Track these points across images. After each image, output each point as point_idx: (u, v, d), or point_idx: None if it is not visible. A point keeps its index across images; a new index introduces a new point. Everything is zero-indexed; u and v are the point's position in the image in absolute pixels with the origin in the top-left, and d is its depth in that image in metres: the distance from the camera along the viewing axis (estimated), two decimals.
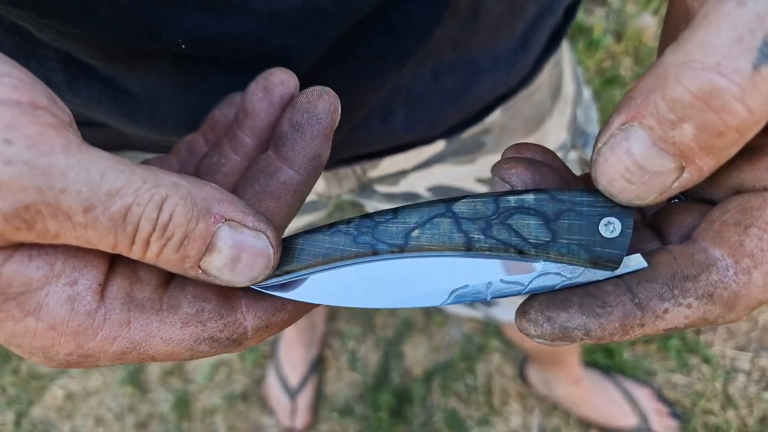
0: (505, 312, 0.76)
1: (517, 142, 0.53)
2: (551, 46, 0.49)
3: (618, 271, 0.22)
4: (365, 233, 0.23)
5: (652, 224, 0.24)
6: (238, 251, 0.21)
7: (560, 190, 0.22)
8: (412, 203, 0.24)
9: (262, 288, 0.23)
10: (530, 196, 0.22)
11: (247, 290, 0.23)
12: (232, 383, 1.42)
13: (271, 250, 0.22)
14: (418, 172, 0.54)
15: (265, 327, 0.23)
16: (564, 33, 0.49)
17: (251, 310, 0.23)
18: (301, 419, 1.32)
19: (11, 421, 1.44)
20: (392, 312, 1.43)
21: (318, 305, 0.24)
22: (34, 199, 0.18)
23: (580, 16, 1.61)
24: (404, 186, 0.56)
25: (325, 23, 0.29)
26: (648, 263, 0.22)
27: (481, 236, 0.22)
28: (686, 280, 0.21)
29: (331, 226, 0.23)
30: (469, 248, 0.22)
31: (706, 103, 0.17)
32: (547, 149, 0.26)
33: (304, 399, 1.34)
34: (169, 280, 0.23)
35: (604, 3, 1.63)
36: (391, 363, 1.38)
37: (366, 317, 1.43)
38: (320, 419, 1.36)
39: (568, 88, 0.58)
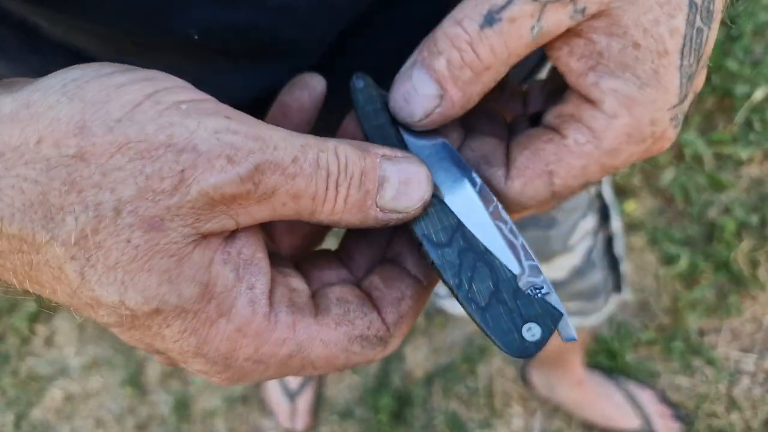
0: None
1: None
2: None
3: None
4: None
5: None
6: (403, 175, 0.24)
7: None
8: None
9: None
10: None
11: (370, 292, 0.26)
12: None
13: (426, 168, 0.25)
14: None
15: (400, 318, 0.26)
16: None
17: (384, 307, 0.25)
18: (300, 422, 1.32)
19: (11, 422, 1.43)
20: None
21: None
22: (259, 158, 0.21)
23: None
24: None
25: (333, 17, 0.30)
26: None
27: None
28: (485, 163, 0.28)
29: None
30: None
31: (452, 42, 0.24)
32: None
33: (304, 401, 1.34)
34: (314, 293, 0.26)
35: None
36: (391, 365, 1.38)
37: None
38: (320, 422, 1.36)
39: None
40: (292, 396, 1.34)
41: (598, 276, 0.71)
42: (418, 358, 1.39)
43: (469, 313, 0.25)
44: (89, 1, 0.26)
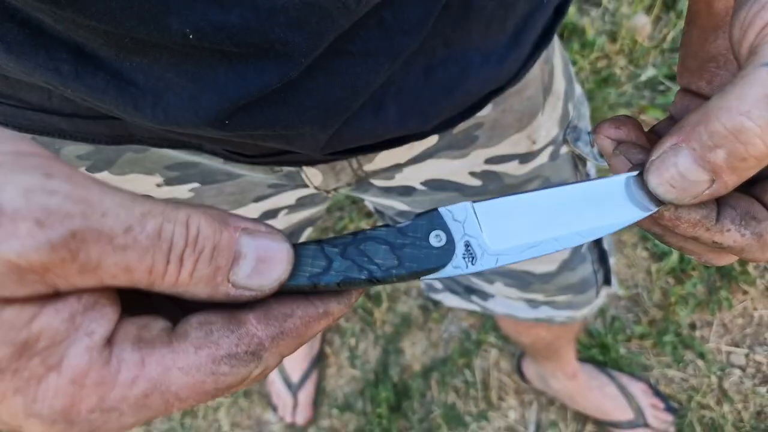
0: (500, 305, 0.78)
1: (511, 136, 0.55)
2: (542, 43, 0.50)
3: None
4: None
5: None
6: (262, 253, 0.23)
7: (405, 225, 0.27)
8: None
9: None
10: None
11: (252, 305, 0.24)
12: None
13: (289, 246, 0.24)
14: (412, 165, 0.55)
15: (280, 334, 0.23)
16: (554, 30, 0.51)
17: (261, 321, 0.23)
18: (302, 415, 1.34)
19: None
20: (391, 309, 1.44)
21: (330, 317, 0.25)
22: (79, 224, 0.18)
23: (575, 16, 1.62)
24: (399, 180, 0.57)
25: (324, 21, 0.31)
26: (737, 198, 0.29)
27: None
28: (752, 219, 0.28)
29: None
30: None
31: (736, 137, 0.23)
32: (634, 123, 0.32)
33: (305, 395, 1.35)
34: (172, 326, 0.23)
35: (599, 4, 1.64)
36: (390, 359, 1.40)
37: (365, 314, 1.45)
38: (321, 415, 1.38)
39: (560, 84, 0.59)
40: (293, 389, 1.35)
41: (588, 269, 0.73)
42: (416, 352, 1.40)
43: (395, 282, 0.26)
44: (89, 1, 0.27)
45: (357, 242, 0.26)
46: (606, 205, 0.28)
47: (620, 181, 0.28)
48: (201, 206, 0.22)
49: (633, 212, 0.28)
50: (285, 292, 0.25)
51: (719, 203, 0.28)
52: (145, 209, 0.20)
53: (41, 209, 0.18)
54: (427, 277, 0.26)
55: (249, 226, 0.23)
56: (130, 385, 0.21)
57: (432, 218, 0.27)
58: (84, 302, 0.20)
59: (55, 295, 0.20)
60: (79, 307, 0.20)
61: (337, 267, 0.25)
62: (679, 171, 0.25)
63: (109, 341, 0.21)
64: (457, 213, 0.27)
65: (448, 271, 0.26)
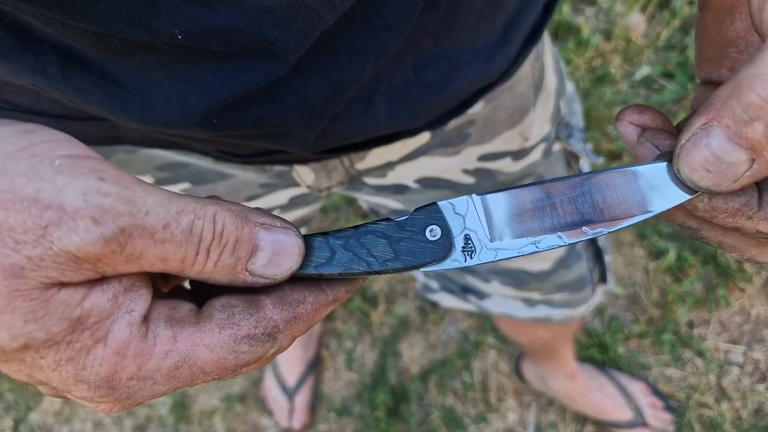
0: (498, 304, 0.77)
1: (504, 133, 0.54)
2: (531, 40, 0.50)
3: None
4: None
5: None
6: (277, 246, 0.25)
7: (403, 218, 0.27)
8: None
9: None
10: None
11: (269, 291, 0.26)
12: (229, 385, 1.43)
13: (301, 241, 0.26)
14: (404, 163, 0.55)
15: (293, 319, 0.26)
16: (543, 27, 0.50)
17: (276, 306, 0.26)
18: (298, 419, 1.33)
19: (10, 427, 1.44)
20: (388, 311, 1.44)
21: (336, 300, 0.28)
22: (127, 222, 0.21)
23: (570, 15, 1.62)
24: (392, 178, 0.57)
25: (310, 19, 0.31)
26: None
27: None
28: None
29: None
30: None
31: None
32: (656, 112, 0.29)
33: (302, 399, 1.35)
34: (197, 308, 0.26)
35: (594, 2, 1.65)
36: (387, 362, 1.39)
37: (362, 316, 1.44)
38: (318, 419, 1.37)
39: (551, 81, 0.59)
40: (290, 394, 1.34)
41: (583, 267, 0.73)
42: (414, 354, 1.40)
43: (392, 273, 0.27)
44: (79, 4, 0.27)
45: (358, 235, 0.27)
46: (627, 196, 0.26)
47: (645, 169, 0.26)
48: (226, 202, 0.25)
49: (657, 204, 0.26)
50: (294, 278, 0.27)
51: (760, 188, 0.25)
52: (180, 207, 0.23)
53: (96, 209, 0.21)
54: (425, 269, 0.27)
55: (267, 222, 0.25)
56: (163, 357, 0.24)
57: (429, 212, 0.27)
58: (124, 284, 0.23)
59: (102, 279, 0.23)
60: (121, 289, 0.23)
61: (339, 258, 0.27)
62: (713, 152, 0.23)
63: (146, 318, 0.24)
64: (458, 206, 0.27)
65: (446, 264, 0.27)
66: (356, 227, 0.27)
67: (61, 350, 0.22)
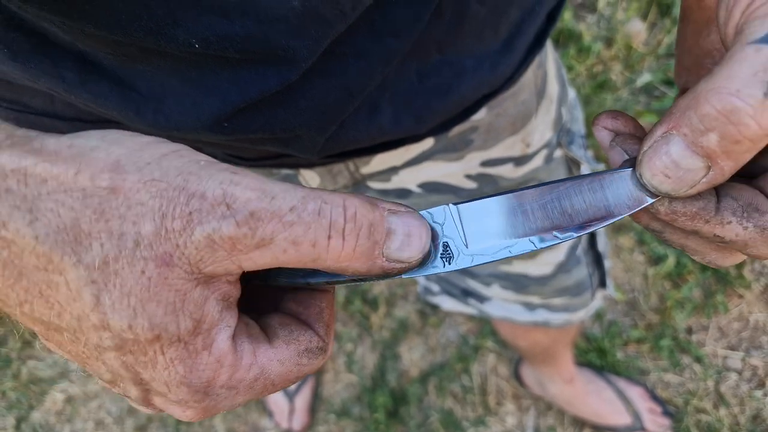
0: (498, 308, 0.78)
1: (506, 139, 0.55)
2: (534, 48, 0.51)
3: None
4: None
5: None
6: (407, 228, 0.26)
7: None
8: None
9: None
10: None
11: (309, 309, 0.29)
12: None
13: (427, 223, 0.27)
14: (408, 168, 0.56)
15: (327, 327, 0.29)
16: (547, 35, 0.51)
17: (313, 322, 0.29)
18: (298, 421, 1.34)
19: (12, 425, 1.44)
20: (388, 314, 1.44)
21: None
22: (255, 206, 0.23)
23: (571, 22, 1.63)
24: (396, 182, 0.58)
25: (322, 27, 0.32)
26: (739, 189, 0.28)
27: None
28: (755, 211, 0.26)
29: None
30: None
31: (728, 118, 0.22)
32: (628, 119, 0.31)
33: (302, 400, 1.35)
34: (262, 326, 0.28)
35: (595, 10, 1.66)
36: (387, 364, 1.40)
37: (363, 319, 1.45)
38: (318, 421, 1.37)
39: (553, 88, 0.60)
40: (290, 395, 1.35)
41: (583, 272, 0.73)
42: (414, 357, 1.40)
43: (374, 281, 0.28)
44: (100, 13, 0.28)
45: None
46: (593, 202, 0.28)
47: (610, 176, 0.28)
48: (352, 193, 0.26)
49: (621, 208, 0.27)
50: (278, 287, 0.29)
51: (719, 194, 0.27)
52: (305, 193, 0.24)
53: (230, 196, 0.23)
54: (405, 275, 0.28)
55: (393, 207, 0.26)
56: (248, 369, 0.26)
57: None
58: (225, 301, 0.25)
59: (221, 282, 0.24)
60: (225, 304, 0.25)
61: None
62: (672, 159, 0.24)
63: (234, 334, 0.26)
64: (436, 215, 0.28)
65: (425, 270, 0.28)
66: None
67: (180, 348, 0.24)
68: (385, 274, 0.26)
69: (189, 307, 0.23)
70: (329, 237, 0.24)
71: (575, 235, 0.28)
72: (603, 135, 0.31)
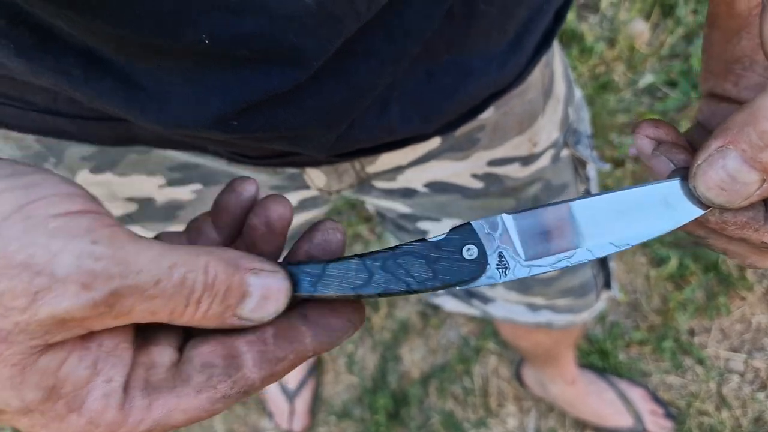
0: (501, 309, 0.78)
1: (513, 138, 0.55)
2: (542, 47, 0.51)
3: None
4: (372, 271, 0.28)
5: None
6: (265, 291, 0.25)
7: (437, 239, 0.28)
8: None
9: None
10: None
11: (250, 346, 0.26)
12: None
13: (288, 284, 0.26)
14: (414, 167, 0.55)
15: (271, 376, 0.26)
16: (554, 35, 0.51)
17: (257, 365, 0.26)
18: (299, 422, 1.33)
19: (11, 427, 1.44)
20: (390, 315, 1.44)
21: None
22: (119, 284, 0.22)
23: (574, 23, 1.63)
24: (401, 182, 0.58)
25: (335, 27, 0.31)
26: None
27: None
28: None
29: (339, 259, 0.28)
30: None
31: None
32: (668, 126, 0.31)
33: (302, 402, 1.35)
34: (178, 359, 0.26)
35: (598, 10, 1.66)
36: (388, 366, 1.39)
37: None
38: (318, 422, 1.37)
39: (560, 87, 0.60)
40: (290, 396, 1.35)
41: (588, 273, 0.73)
42: (415, 359, 1.40)
43: (431, 292, 0.28)
44: (108, 7, 0.27)
45: (395, 256, 0.28)
46: (644, 213, 0.28)
47: (661, 188, 0.28)
48: (218, 249, 0.25)
49: (674, 219, 0.28)
50: (329, 300, 0.28)
51: (766, 202, 0.28)
52: (173, 261, 0.23)
53: (88, 274, 0.21)
54: (462, 287, 0.28)
55: (256, 266, 0.26)
56: (137, 425, 0.24)
57: (464, 232, 0.28)
58: (105, 348, 0.23)
59: (85, 337, 0.23)
60: (101, 354, 0.23)
61: (377, 279, 0.27)
62: (729, 173, 0.25)
63: (125, 385, 0.24)
64: (491, 225, 0.28)
65: (482, 281, 0.28)
66: (393, 248, 0.28)
67: (35, 417, 0.23)
68: (234, 328, 0.26)
69: (32, 378, 0.22)
70: (186, 306, 0.24)
71: (631, 244, 0.28)
72: (644, 143, 0.31)
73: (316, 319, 0.27)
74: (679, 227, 0.28)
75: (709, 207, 0.27)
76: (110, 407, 0.23)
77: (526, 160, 0.58)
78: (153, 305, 0.23)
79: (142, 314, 0.23)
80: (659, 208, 0.28)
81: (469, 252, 0.28)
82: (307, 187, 0.55)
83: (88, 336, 0.23)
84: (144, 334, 0.26)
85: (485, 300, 0.78)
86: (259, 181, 0.53)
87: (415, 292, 0.27)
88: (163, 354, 0.26)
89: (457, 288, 0.28)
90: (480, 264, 0.28)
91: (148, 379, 0.25)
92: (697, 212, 0.27)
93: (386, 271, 0.27)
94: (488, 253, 0.28)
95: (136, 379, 0.24)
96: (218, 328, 0.26)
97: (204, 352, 0.26)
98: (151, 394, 0.24)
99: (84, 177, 0.49)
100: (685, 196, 0.28)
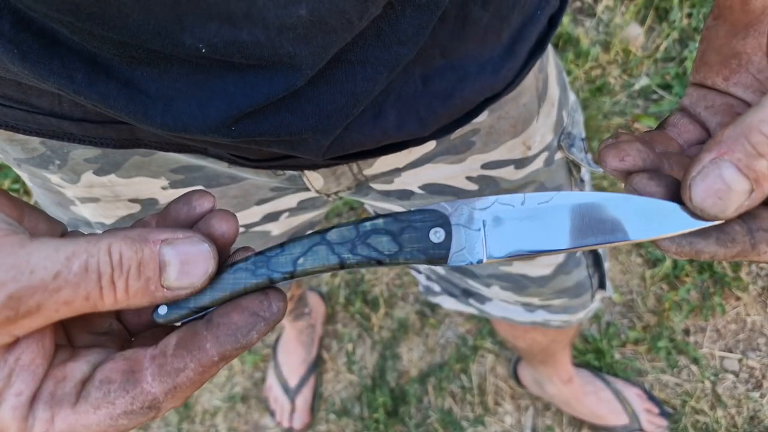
0: (498, 308, 0.79)
1: (507, 142, 0.56)
2: (536, 52, 0.51)
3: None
4: (261, 267, 0.29)
5: None
6: (184, 257, 0.26)
7: (401, 212, 0.29)
8: (295, 238, 0.30)
9: (183, 321, 0.28)
10: (380, 221, 0.30)
11: (153, 360, 0.26)
12: (232, 385, 1.44)
13: (206, 245, 0.27)
14: (410, 170, 0.57)
15: (174, 389, 0.26)
16: (548, 40, 0.52)
17: (156, 377, 0.26)
18: (299, 420, 1.34)
19: None
20: (388, 314, 1.45)
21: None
22: (13, 287, 0.22)
23: (570, 27, 1.64)
24: (398, 184, 0.59)
25: (329, 36, 0.32)
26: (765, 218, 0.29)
27: (350, 255, 0.29)
28: None
29: (231, 265, 0.29)
30: (342, 266, 0.29)
31: None
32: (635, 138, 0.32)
33: (303, 400, 1.36)
34: (92, 370, 0.26)
35: (593, 14, 1.67)
36: (387, 364, 1.40)
37: (362, 320, 1.46)
38: (318, 420, 1.38)
39: (554, 91, 0.61)
40: (291, 395, 1.36)
41: (583, 273, 0.74)
42: (413, 358, 1.41)
43: (396, 265, 0.29)
44: (108, 14, 0.28)
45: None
46: (625, 221, 0.29)
47: (655, 204, 0.29)
48: (122, 230, 0.26)
49: (660, 228, 0.28)
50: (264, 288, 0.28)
51: (751, 230, 0.28)
52: (69, 252, 0.24)
53: None
54: (430, 265, 0.29)
55: (168, 237, 0.26)
56: None
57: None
58: (22, 362, 0.24)
59: (10, 346, 0.24)
60: (16, 367, 0.24)
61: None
62: (725, 182, 0.26)
63: (34, 398, 0.24)
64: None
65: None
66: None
67: None
68: (175, 300, 0.26)
69: None
70: (101, 288, 0.24)
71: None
72: (616, 174, 0.32)
73: (218, 321, 0.27)
74: (658, 244, 0.29)
75: (703, 220, 0.28)
76: (16, 419, 0.24)
77: (520, 163, 0.59)
78: (61, 296, 0.23)
79: (56, 307, 0.23)
80: (637, 218, 0.29)
81: (437, 235, 0.29)
82: (306, 189, 0.57)
83: (14, 344, 0.24)
84: (76, 350, 0.27)
85: (482, 300, 0.79)
86: (259, 183, 0.55)
87: (385, 264, 0.29)
88: (76, 369, 0.26)
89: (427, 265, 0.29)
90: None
91: (55, 392, 0.25)
92: (692, 225, 0.28)
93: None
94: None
95: (44, 391, 0.25)
96: (153, 304, 0.26)
97: (106, 368, 0.26)
98: (53, 408, 0.25)
99: (88, 179, 0.50)
100: (681, 210, 0.28)
